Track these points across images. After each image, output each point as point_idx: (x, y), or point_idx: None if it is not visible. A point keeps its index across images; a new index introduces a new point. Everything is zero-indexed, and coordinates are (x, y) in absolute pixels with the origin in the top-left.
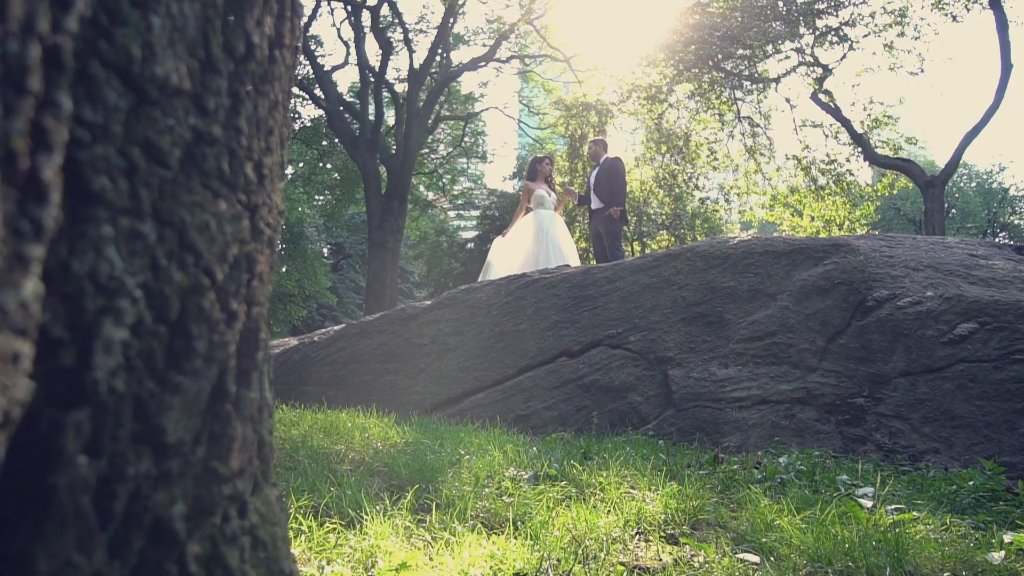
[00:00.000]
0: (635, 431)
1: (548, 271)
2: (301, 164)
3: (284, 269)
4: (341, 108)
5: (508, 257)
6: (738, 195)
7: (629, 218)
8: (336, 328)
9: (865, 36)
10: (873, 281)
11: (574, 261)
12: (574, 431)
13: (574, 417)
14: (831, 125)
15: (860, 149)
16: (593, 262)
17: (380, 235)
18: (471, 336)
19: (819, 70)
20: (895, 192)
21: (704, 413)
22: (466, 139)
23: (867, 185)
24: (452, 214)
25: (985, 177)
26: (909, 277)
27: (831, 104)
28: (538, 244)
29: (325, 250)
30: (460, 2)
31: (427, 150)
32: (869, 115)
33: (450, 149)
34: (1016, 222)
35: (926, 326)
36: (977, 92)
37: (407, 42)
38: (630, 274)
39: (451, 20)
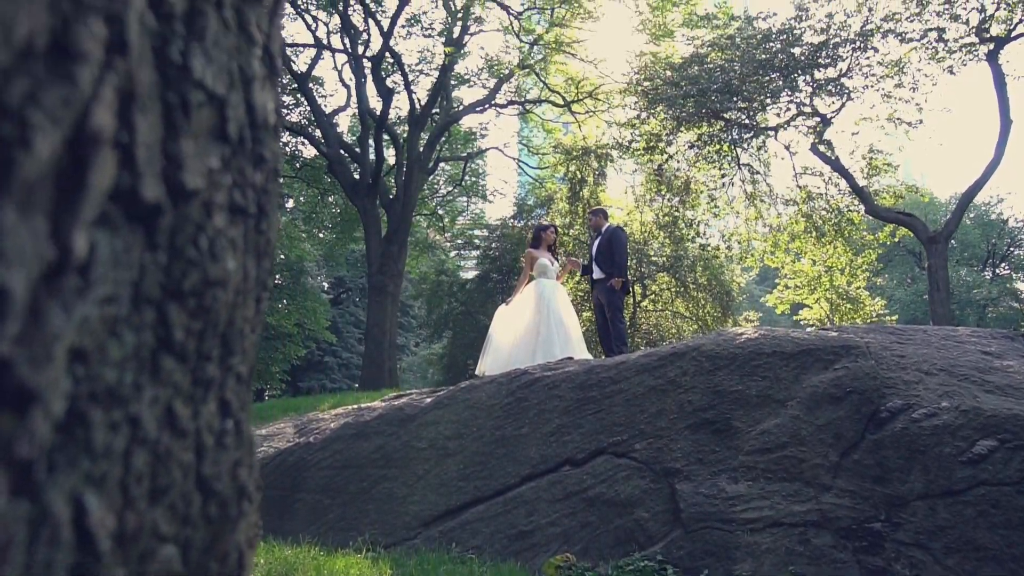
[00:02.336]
0: (642, 552)
1: (550, 367)
2: (302, 199)
3: (283, 303)
4: (342, 151)
5: (510, 327)
6: (739, 242)
7: (629, 268)
8: (333, 426)
9: (864, 89)
10: (885, 388)
11: (576, 333)
12: (579, 550)
13: (579, 535)
14: (830, 176)
15: (861, 202)
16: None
17: (380, 279)
18: (471, 440)
19: (817, 120)
20: (896, 240)
21: (714, 535)
22: (466, 178)
23: (868, 234)
24: (452, 253)
25: (984, 208)
26: (922, 383)
27: (831, 155)
28: (539, 314)
29: (325, 284)
30: (460, 52)
31: (427, 190)
32: (869, 163)
33: (450, 188)
34: (1017, 253)
35: (943, 442)
36: (979, 137)
37: (408, 88)
38: (635, 374)
39: (451, 68)
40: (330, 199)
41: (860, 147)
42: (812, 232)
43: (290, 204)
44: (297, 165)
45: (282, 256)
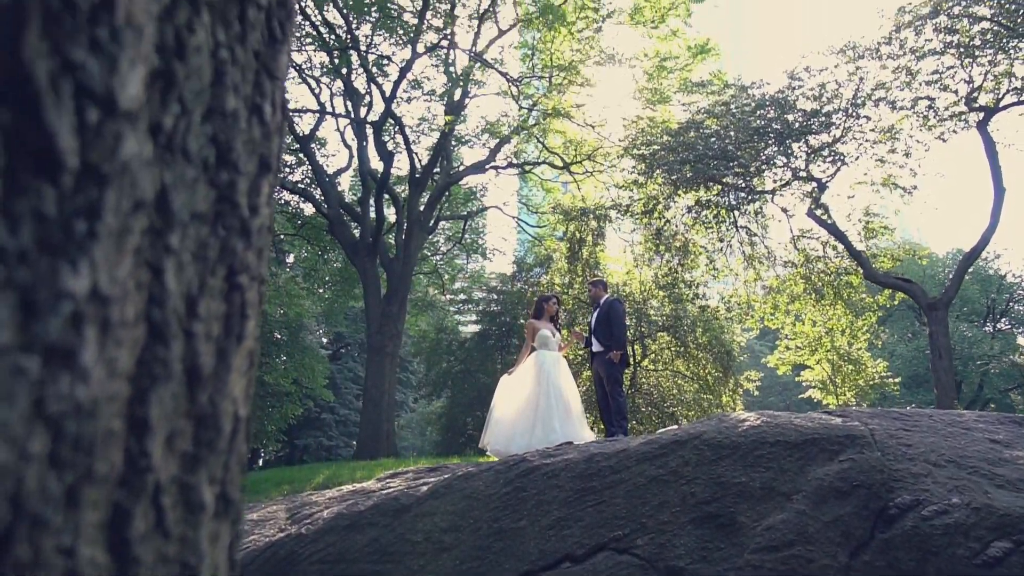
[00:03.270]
0: None
1: (549, 453)
2: (304, 254)
3: (281, 359)
4: (342, 210)
5: (511, 400)
6: (738, 303)
7: (629, 328)
8: (326, 515)
9: (858, 156)
10: (893, 482)
11: (576, 406)
12: None
13: None
14: (828, 239)
15: (859, 266)
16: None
17: (379, 340)
18: (468, 532)
19: (813, 185)
20: (896, 304)
21: None
22: (466, 237)
23: (868, 296)
24: (452, 311)
25: (981, 264)
26: (931, 476)
27: (827, 219)
28: (539, 387)
29: (324, 339)
30: (459, 118)
31: (427, 248)
32: (866, 226)
33: (450, 246)
34: (1017, 309)
35: (956, 543)
36: (976, 191)
37: (408, 149)
38: (635, 464)
39: (451, 132)
40: (330, 255)
41: (856, 210)
42: (811, 294)
43: (291, 259)
44: (298, 223)
45: (281, 311)
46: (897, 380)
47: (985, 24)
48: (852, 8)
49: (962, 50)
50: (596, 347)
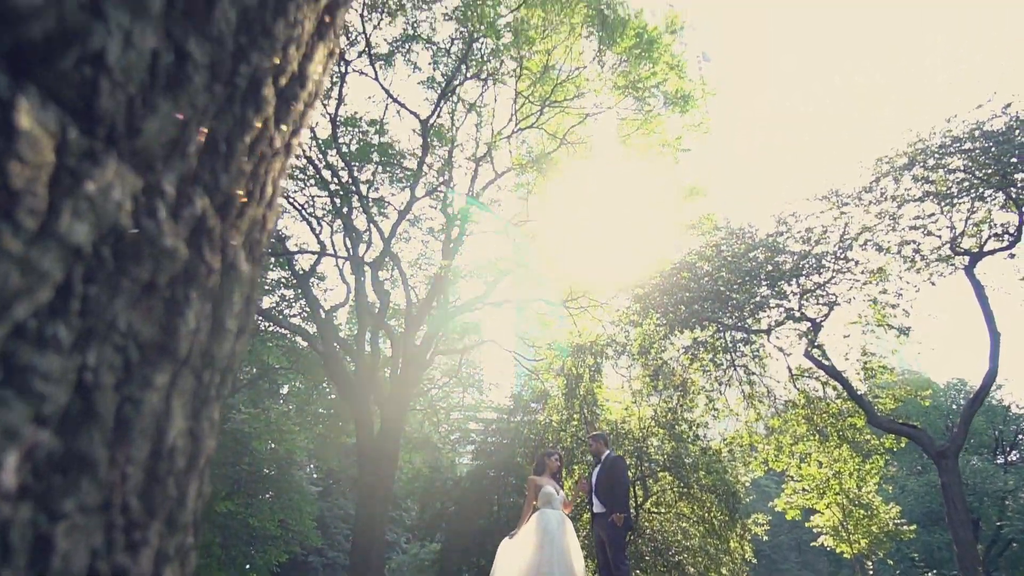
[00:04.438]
0: None
1: None
2: (298, 385)
3: (269, 495)
4: (335, 345)
5: (513, 566)
6: (740, 446)
7: (629, 468)
8: None
9: (850, 301)
10: None
11: (580, 571)
12: None
13: None
14: (827, 379)
15: (861, 409)
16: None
17: (371, 481)
18: None
19: (808, 325)
20: (902, 446)
21: None
22: (462, 371)
23: (873, 438)
24: (447, 449)
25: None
26: None
27: (825, 360)
28: (542, 551)
29: (315, 475)
30: (455, 256)
31: (423, 382)
32: (864, 366)
33: (446, 380)
34: None
35: None
36: (974, 325)
37: (405, 285)
38: None
39: (448, 270)
40: (324, 387)
41: (853, 349)
42: (815, 435)
43: (285, 390)
44: (293, 358)
45: (272, 446)
46: (912, 528)
47: (959, 175)
48: (834, 152)
49: (941, 198)
50: (597, 507)
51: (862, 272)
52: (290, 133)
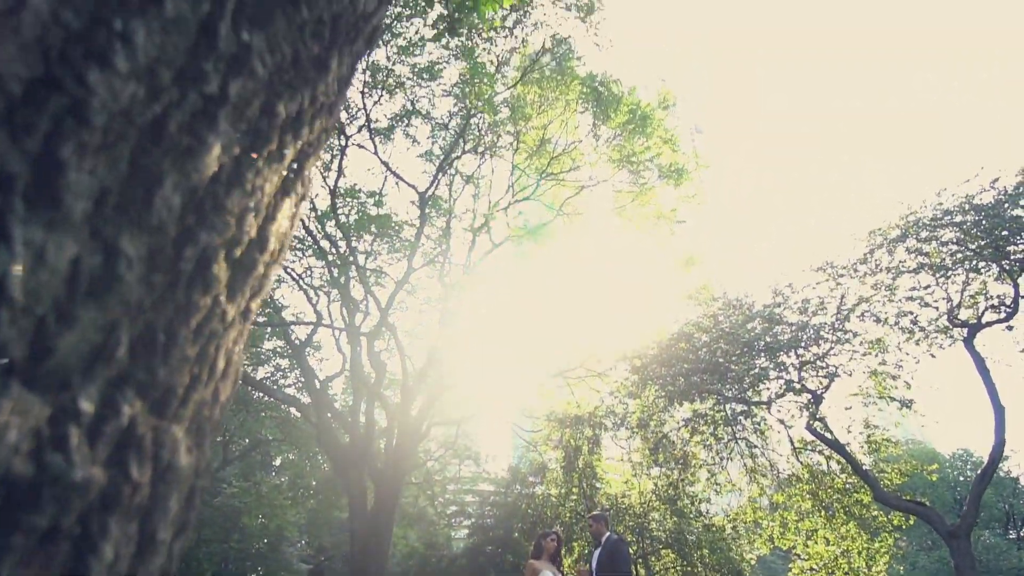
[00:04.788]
0: None
1: None
2: (291, 457)
3: (257, 573)
4: (330, 416)
5: None
6: (744, 522)
7: (631, 544)
8: None
9: (850, 373)
10: None
11: None
12: None
13: None
14: (831, 453)
15: (867, 485)
16: None
17: (363, 560)
18: None
19: (808, 396)
20: (912, 524)
21: None
22: (459, 441)
23: (881, 515)
24: (443, 523)
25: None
26: None
27: (827, 434)
28: None
29: (306, 551)
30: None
31: (419, 453)
32: (867, 439)
33: (442, 451)
34: None
35: None
36: (978, 394)
37: (402, 356)
38: None
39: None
40: (318, 460)
41: (855, 422)
42: (821, 511)
43: (278, 462)
44: (286, 429)
45: (262, 520)
46: None
47: (953, 247)
48: (829, 221)
49: (936, 269)
50: None
51: (861, 343)
52: (248, 299)
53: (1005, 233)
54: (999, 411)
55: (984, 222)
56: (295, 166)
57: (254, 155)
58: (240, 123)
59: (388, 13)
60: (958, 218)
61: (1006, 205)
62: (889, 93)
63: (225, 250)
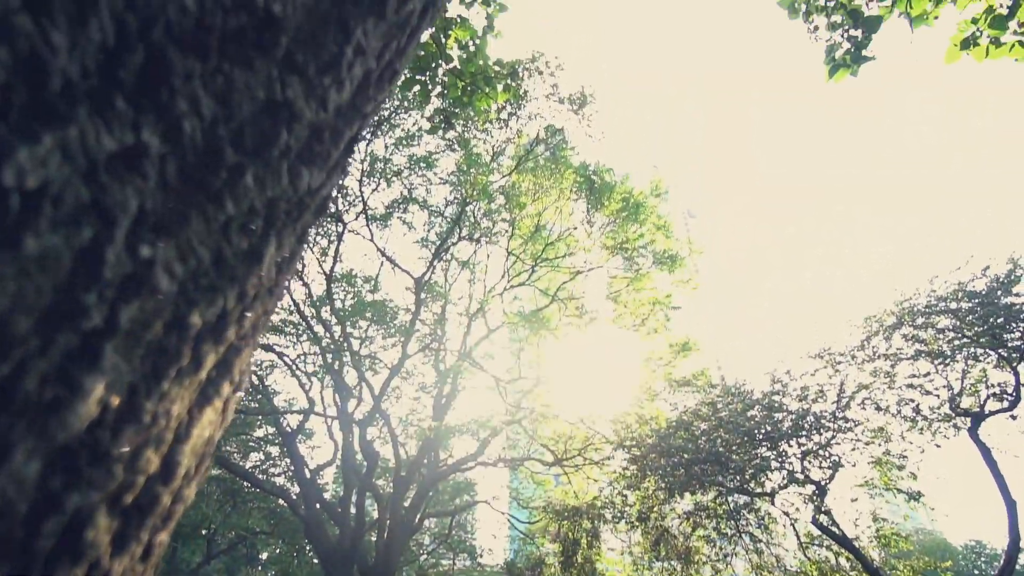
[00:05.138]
0: None
1: None
2: (278, 551)
3: None
4: (319, 505)
5: None
6: None
7: None
8: None
9: (854, 464)
10: None
11: None
12: None
13: None
14: (839, 549)
15: None
16: None
17: None
18: None
19: (812, 487)
20: None
21: None
22: (453, 533)
23: None
24: None
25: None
26: None
27: (835, 529)
28: None
29: None
30: (446, 416)
31: (412, 546)
32: (876, 533)
33: (435, 545)
34: None
35: None
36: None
37: (395, 444)
38: None
39: (438, 431)
40: (306, 555)
41: (863, 514)
42: None
43: (264, 556)
44: (273, 521)
45: None
46: None
47: (950, 334)
48: (823, 307)
49: (934, 356)
50: None
51: (863, 432)
52: (147, 542)
53: (1000, 320)
54: (1011, 505)
55: (979, 309)
56: (221, 367)
57: (157, 381)
58: (136, 349)
59: (386, 106)
60: (952, 305)
61: (999, 292)
62: (883, 159)
63: (108, 503)
